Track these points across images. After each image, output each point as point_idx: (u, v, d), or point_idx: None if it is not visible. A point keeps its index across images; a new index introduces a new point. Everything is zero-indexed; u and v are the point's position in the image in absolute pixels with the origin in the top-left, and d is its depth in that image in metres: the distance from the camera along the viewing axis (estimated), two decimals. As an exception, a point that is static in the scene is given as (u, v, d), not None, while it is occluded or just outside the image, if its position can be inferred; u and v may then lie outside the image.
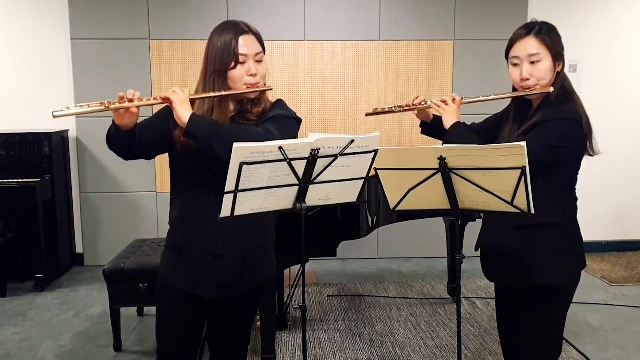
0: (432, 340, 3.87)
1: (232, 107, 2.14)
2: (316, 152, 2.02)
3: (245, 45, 2.06)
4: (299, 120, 2.18)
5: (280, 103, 2.19)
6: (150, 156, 2.22)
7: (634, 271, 5.27)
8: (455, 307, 2.83)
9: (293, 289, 4.18)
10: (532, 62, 2.18)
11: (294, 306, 4.10)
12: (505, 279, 2.34)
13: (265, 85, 2.14)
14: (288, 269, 3.46)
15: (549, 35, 2.18)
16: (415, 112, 2.57)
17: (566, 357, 3.60)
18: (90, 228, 5.51)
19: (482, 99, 2.43)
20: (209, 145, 1.92)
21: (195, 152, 2.03)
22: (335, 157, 2.08)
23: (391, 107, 2.61)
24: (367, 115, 2.74)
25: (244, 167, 1.90)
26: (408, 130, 5.51)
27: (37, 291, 4.84)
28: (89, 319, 4.27)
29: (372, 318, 4.25)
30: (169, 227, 2.26)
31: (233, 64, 2.04)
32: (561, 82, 2.20)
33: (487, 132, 2.42)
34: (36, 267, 4.90)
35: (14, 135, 4.94)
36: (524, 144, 1.89)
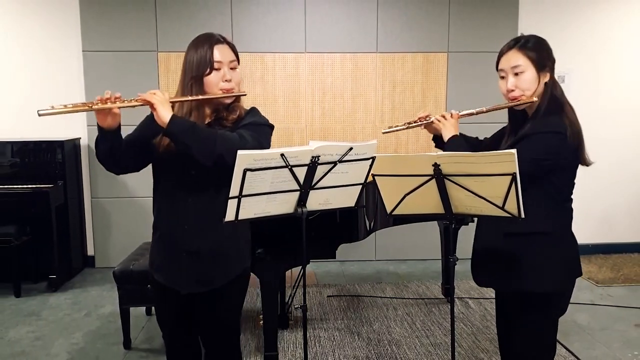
0: (427, 339, 3.86)
1: (208, 112, 2.17)
2: (316, 159, 2.03)
3: (220, 53, 2.12)
4: (271, 127, 2.21)
5: (253, 111, 2.22)
6: (140, 166, 2.25)
7: (619, 272, 5.27)
8: (449, 306, 2.83)
9: (294, 290, 4.18)
10: (516, 74, 2.17)
11: (295, 306, 4.09)
12: (492, 284, 2.33)
13: (239, 91, 2.18)
14: (290, 270, 3.45)
15: (532, 48, 2.16)
16: (422, 127, 2.53)
17: (555, 355, 3.58)
18: (101, 231, 5.51)
19: (475, 112, 2.43)
20: (187, 145, 1.94)
21: (175, 156, 2.08)
22: (335, 163, 2.09)
23: (403, 125, 2.58)
24: (384, 133, 2.71)
25: (248, 173, 1.90)
26: (404, 138, 5.51)
27: (50, 291, 4.83)
28: (99, 318, 4.26)
29: (370, 317, 4.24)
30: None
31: (208, 70, 2.10)
32: (550, 92, 2.15)
33: (493, 144, 2.39)
34: (49, 268, 4.90)
35: (28, 143, 4.95)
36: (514, 151, 1.88)
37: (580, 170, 2.22)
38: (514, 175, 1.91)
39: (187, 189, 2.14)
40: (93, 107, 1.93)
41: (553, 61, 2.21)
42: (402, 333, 3.96)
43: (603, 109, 5.74)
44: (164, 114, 1.93)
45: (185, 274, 2.18)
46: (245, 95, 2.19)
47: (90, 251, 5.57)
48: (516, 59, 2.16)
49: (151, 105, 1.97)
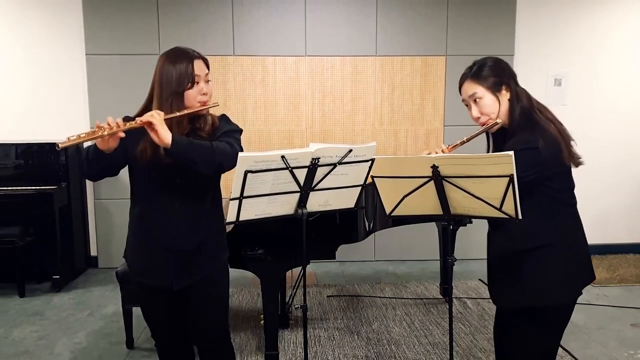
0: (426, 338, 3.86)
1: (184, 124, 2.20)
2: (316, 161, 2.03)
3: (198, 68, 2.16)
4: (241, 131, 2.29)
5: (225, 117, 2.31)
6: (117, 172, 2.28)
7: (615, 273, 5.27)
8: (447, 306, 2.83)
9: (294, 290, 4.18)
10: (475, 101, 2.18)
11: (296, 306, 4.09)
12: (498, 302, 2.27)
13: (212, 102, 2.23)
14: (290, 270, 3.45)
15: (484, 75, 2.16)
16: None
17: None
18: (104, 232, 5.51)
19: (459, 143, 2.29)
20: (191, 160, 2.00)
21: (158, 167, 2.11)
22: (335, 165, 2.09)
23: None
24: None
25: (249, 175, 1.91)
26: (403, 140, 5.52)
27: (53, 292, 4.83)
28: (102, 318, 4.26)
29: (369, 317, 4.24)
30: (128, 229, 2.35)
31: (190, 84, 2.13)
32: (517, 106, 2.14)
33: None
34: (53, 269, 4.89)
35: (32, 145, 4.95)
36: (511, 153, 1.88)
37: (577, 171, 2.20)
38: (511, 176, 1.91)
39: (172, 195, 2.18)
40: (104, 133, 1.98)
41: (512, 76, 2.19)
42: (401, 332, 3.96)
43: (600, 110, 5.74)
44: (165, 135, 1.97)
45: (174, 271, 2.22)
46: (217, 105, 2.25)
47: (93, 252, 5.57)
48: (472, 88, 2.18)
49: (151, 127, 1.98)
